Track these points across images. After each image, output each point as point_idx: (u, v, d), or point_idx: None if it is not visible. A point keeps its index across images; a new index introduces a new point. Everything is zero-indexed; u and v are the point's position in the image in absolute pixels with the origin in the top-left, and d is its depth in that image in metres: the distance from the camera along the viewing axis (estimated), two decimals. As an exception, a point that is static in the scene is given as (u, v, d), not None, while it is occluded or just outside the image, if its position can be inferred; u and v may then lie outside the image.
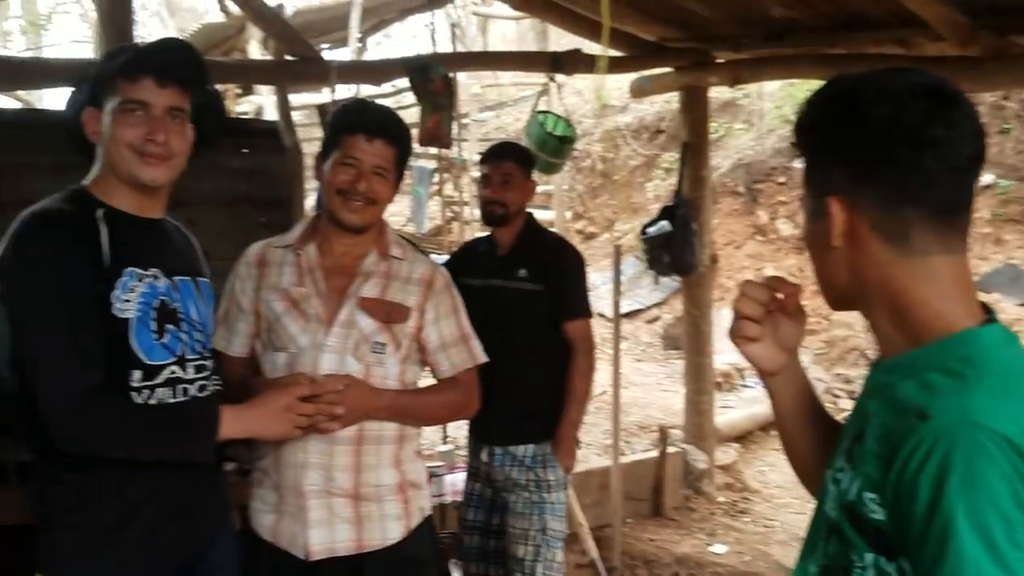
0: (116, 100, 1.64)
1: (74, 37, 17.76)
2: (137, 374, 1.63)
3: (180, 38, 1.88)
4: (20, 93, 9.75)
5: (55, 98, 12.68)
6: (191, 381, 1.73)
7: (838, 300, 1.10)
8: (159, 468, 1.67)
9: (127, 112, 1.63)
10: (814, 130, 1.06)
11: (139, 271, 1.64)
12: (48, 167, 3.45)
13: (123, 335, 1.61)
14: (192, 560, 1.75)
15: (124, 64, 1.64)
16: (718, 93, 8.88)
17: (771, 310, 1.17)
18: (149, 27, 16.28)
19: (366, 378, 1.95)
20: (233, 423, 1.69)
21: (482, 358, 2.16)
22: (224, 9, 7.76)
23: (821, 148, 1.05)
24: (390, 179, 2.01)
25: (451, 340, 2.09)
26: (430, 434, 5.00)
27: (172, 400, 1.69)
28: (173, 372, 1.69)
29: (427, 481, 2.17)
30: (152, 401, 1.65)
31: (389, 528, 1.99)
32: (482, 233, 3.52)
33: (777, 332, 1.18)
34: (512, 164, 3.00)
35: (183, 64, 1.70)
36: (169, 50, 1.72)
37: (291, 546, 1.93)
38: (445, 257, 3.54)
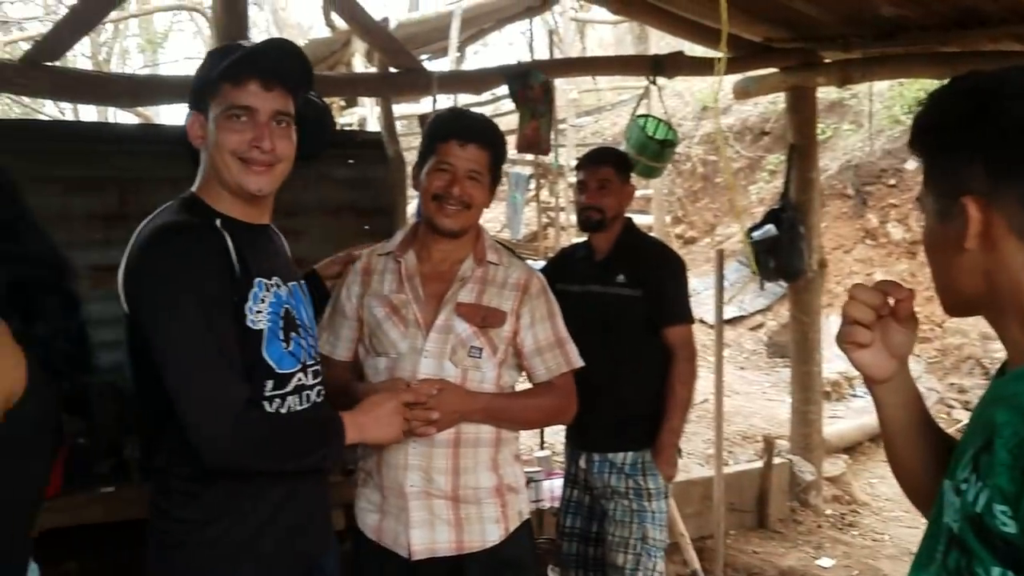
0: (221, 105, 1.58)
1: (189, 54, 18.61)
2: (270, 384, 1.60)
3: (285, 39, 1.77)
4: (138, 109, 10.29)
5: (172, 114, 13.34)
6: (312, 387, 1.72)
7: (959, 306, 1.05)
8: (291, 477, 1.66)
9: (232, 118, 1.57)
10: (943, 128, 1.01)
11: (265, 281, 1.62)
12: (166, 180, 3.63)
13: (256, 347, 1.58)
14: (310, 568, 1.76)
15: (229, 67, 1.56)
16: (824, 94, 8.62)
17: (882, 315, 1.11)
18: (259, 43, 16.91)
19: (463, 382, 1.97)
20: (351, 429, 1.68)
21: (578, 363, 2.15)
22: (330, 24, 7.99)
23: (952, 146, 1.00)
24: (484, 183, 2.04)
25: (546, 344, 2.10)
26: (528, 440, 5.02)
27: (300, 407, 1.67)
28: (299, 379, 1.67)
29: (525, 485, 2.18)
30: (283, 410, 1.63)
31: (488, 530, 2.01)
32: (579, 239, 3.50)
33: (887, 339, 1.12)
34: (609, 169, 2.97)
35: (289, 66, 1.64)
36: (275, 51, 1.62)
37: (394, 545, 1.98)
38: (541, 263, 3.54)
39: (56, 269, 1.33)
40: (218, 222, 1.58)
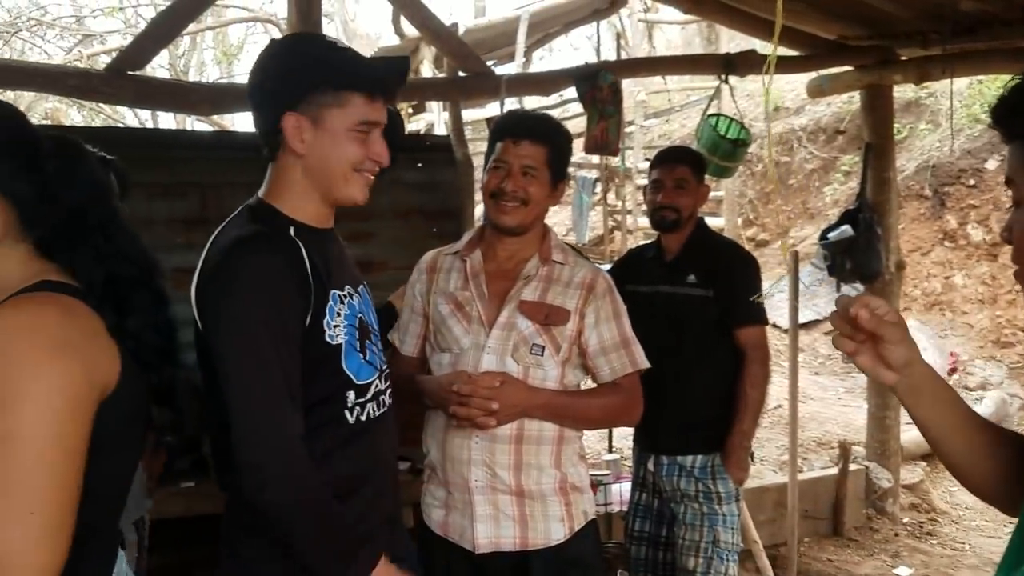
0: (351, 117, 1.51)
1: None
2: (351, 395, 1.58)
3: (403, 56, 1.72)
4: (215, 117, 10.59)
5: (246, 122, 13.68)
6: (384, 391, 1.70)
7: None
8: (370, 487, 1.64)
9: (361, 133, 1.53)
10: None
11: (339, 292, 1.57)
12: (245, 185, 3.73)
13: (336, 361, 1.55)
14: None
15: (365, 79, 1.52)
16: (900, 93, 8.39)
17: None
18: (329, 53, 17.24)
19: (524, 379, 1.98)
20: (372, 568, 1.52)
21: (643, 364, 2.13)
22: (399, 32, 8.09)
23: None
24: (542, 178, 2.05)
25: (611, 345, 2.08)
26: (596, 443, 4.99)
27: (377, 412, 1.65)
28: (376, 386, 1.65)
29: (590, 486, 2.17)
30: (363, 417, 1.61)
31: (553, 528, 2.02)
32: (645, 242, 3.46)
33: (878, 346, 1.11)
34: (686, 168, 2.92)
35: (401, 81, 1.64)
36: (400, 68, 1.62)
37: (460, 540, 2.01)
38: (607, 267, 3.52)
39: (146, 267, 1.36)
40: (292, 231, 1.53)
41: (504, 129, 2.10)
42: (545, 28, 8.63)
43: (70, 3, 15.12)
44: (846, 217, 4.55)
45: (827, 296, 8.00)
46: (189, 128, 12.14)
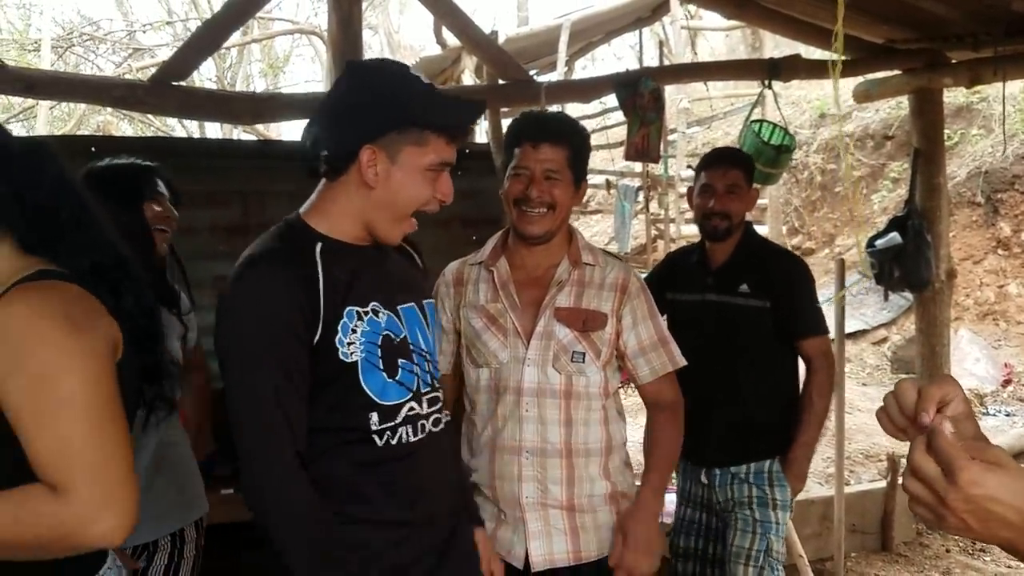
0: (429, 156, 1.52)
1: (308, 78, 19.34)
2: (375, 416, 1.52)
3: (480, 100, 1.71)
4: (259, 127, 10.75)
5: (291, 131, 13.87)
6: (427, 416, 1.61)
7: None
8: (408, 514, 1.58)
9: (435, 172, 1.54)
10: None
11: (358, 309, 1.51)
12: (286, 193, 3.77)
13: (353, 379, 1.50)
14: None
15: (447, 122, 1.54)
16: (950, 98, 8.23)
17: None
18: (373, 64, 17.45)
19: (568, 388, 1.96)
20: None
21: (681, 362, 2.11)
22: (440, 42, 8.14)
23: None
24: (566, 180, 1.98)
25: (649, 344, 2.06)
26: (638, 453, 4.93)
27: (414, 438, 1.57)
28: (412, 409, 1.57)
29: (632, 498, 2.13)
30: (394, 442, 1.54)
31: (604, 538, 2.00)
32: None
33: None
34: (739, 172, 2.76)
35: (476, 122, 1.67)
36: (477, 113, 1.65)
37: (508, 556, 1.97)
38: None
39: (120, 256, 1.41)
40: (319, 247, 1.51)
41: (522, 133, 2.02)
42: (587, 37, 8.60)
43: (122, 18, 15.50)
44: (894, 224, 4.44)
45: (875, 305, 7.86)
46: (235, 138, 12.35)
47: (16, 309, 1.21)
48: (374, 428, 1.52)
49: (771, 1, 4.03)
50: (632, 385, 2.17)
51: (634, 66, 9.78)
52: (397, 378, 1.55)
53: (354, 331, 1.50)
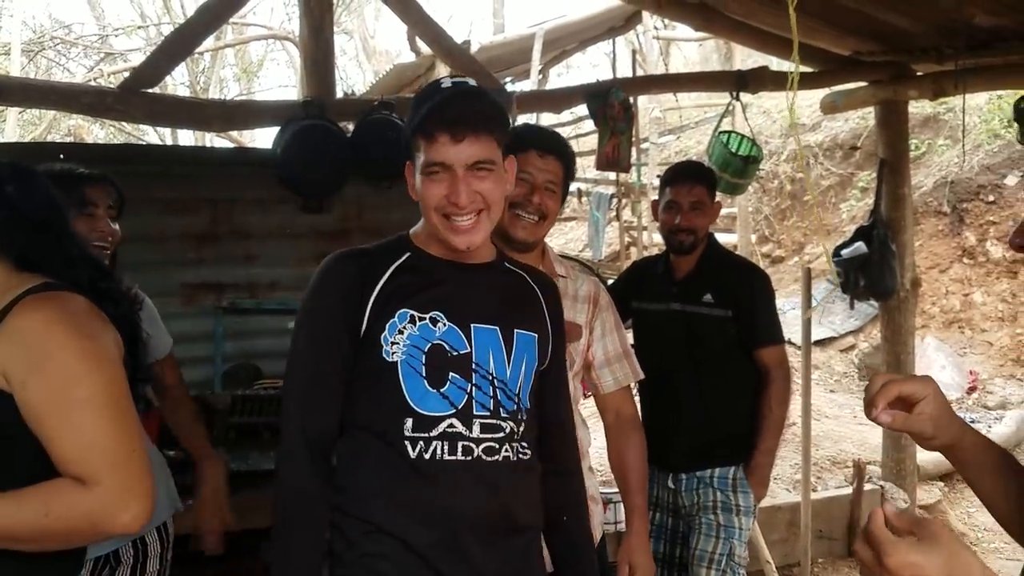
0: (419, 160, 1.53)
1: (283, 83, 19.26)
2: (409, 422, 1.50)
3: (470, 85, 1.60)
4: (233, 133, 10.68)
5: (267, 138, 13.82)
6: (476, 441, 1.52)
7: None
8: (421, 538, 1.50)
9: (433, 174, 1.52)
10: None
11: (414, 312, 1.53)
12: (258, 201, 3.77)
13: (394, 380, 1.51)
14: None
15: (418, 121, 1.52)
16: (918, 108, 8.35)
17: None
18: (349, 71, 17.43)
19: None
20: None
21: (640, 374, 2.20)
22: (415, 49, 8.15)
23: None
24: (558, 195, 2.07)
25: (615, 355, 2.13)
26: (605, 459, 4.95)
27: (449, 457, 1.50)
28: (452, 426, 1.51)
29: (600, 502, 2.16)
30: (426, 455, 1.49)
31: None
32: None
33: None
34: (703, 189, 2.82)
35: (466, 113, 1.53)
36: (460, 98, 1.53)
37: None
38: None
39: (102, 267, 1.51)
40: (405, 256, 1.59)
41: (528, 141, 2.05)
42: (561, 45, 8.66)
43: (94, 22, 15.35)
44: (860, 234, 4.51)
45: (842, 312, 7.95)
46: (208, 145, 12.27)
47: (33, 317, 1.30)
48: (407, 434, 1.49)
49: (738, 13, 4.08)
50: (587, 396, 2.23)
51: (608, 74, 9.86)
52: (442, 390, 1.52)
53: (400, 332, 1.51)
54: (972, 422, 6.66)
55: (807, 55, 4.31)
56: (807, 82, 4.54)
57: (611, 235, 9.84)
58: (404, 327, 1.51)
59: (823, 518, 4.48)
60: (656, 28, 9.84)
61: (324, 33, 3.68)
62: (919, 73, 4.55)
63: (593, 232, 9.44)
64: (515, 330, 1.60)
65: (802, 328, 3.97)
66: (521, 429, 1.59)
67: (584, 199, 9.71)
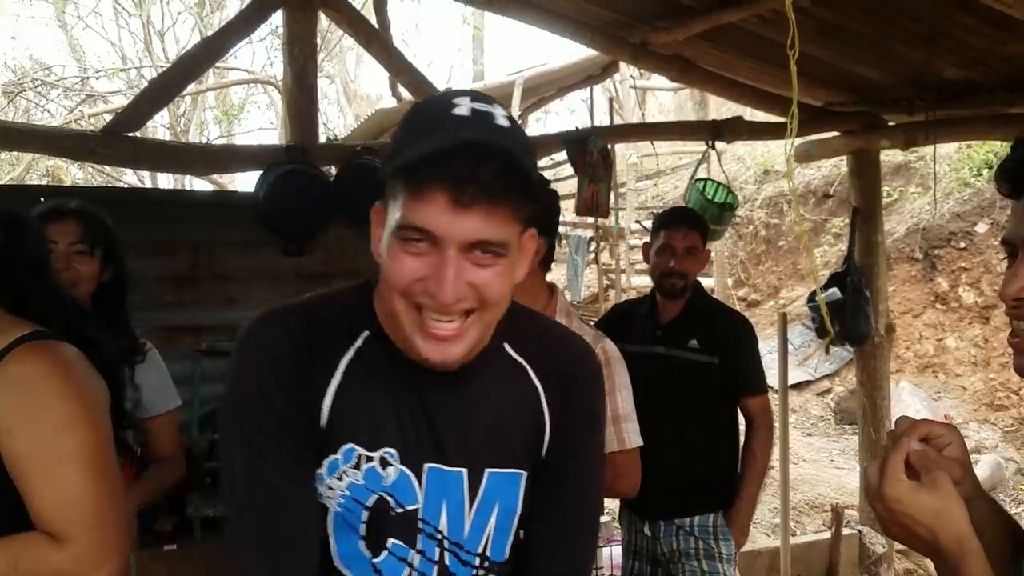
0: (392, 214, 1.04)
1: (263, 125, 19.34)
2: None
3: (497, 114, 0.99)
4: (214, 176, 10.70)
5: (247, 180, 13.83)
6: None
7: None
8: None
9: (405, 241, 1.03)
10: None
11: (361, 451, 1.11)
12: (238, 244, 3.78)
13: (323, 530, 1.14)
14: None
15: (393, 164, 1.02)
16: (891, 156, 8.52)
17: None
18: (330, 115, 17.55)
19: None
20: None
21: (630, 444, 2.11)
22: (396, 95, 8.23)
23: None
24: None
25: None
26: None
27: None
28: None
29: None
30: None
31: None
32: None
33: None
34: (697, 235, 2.82)
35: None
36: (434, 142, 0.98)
37: None
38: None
39: (87, 314, 1.56)
40: (361, 338, 1.13)
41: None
42: (539, 93, 8.77)
43: (75, 63, 15.39)
44: (834, 280, 4.58)
45: (819, 358, 8.02)
46: (189, 187, 12.26)
47: (27, 366, 1.29)
48: None
49: (714, 65, 4.18)
50: None
51: (586, 120, 9.99)
52: (376, 561, 1.13)
53: (340, 478, 1.11)
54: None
55: (780, 105, 4.41)
56: (780, 131, 4.64)
57: (590, 277, 9.90)
58: (346, 471, 1.11)
59: (803, 563, 4.48)
60: (633, 77, 10.01)
61: (307, 80, 3.72)
62: (891, 123, 4.66)
63: (572, 275, 9.50)
64: (487, 470, 1.16)
65: (779, 372, 4.01)
66: None
67: (563, 242, 9.77)
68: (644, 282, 8.49)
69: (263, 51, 19.37)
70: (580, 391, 1.22)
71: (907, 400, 7.40)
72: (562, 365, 1.22)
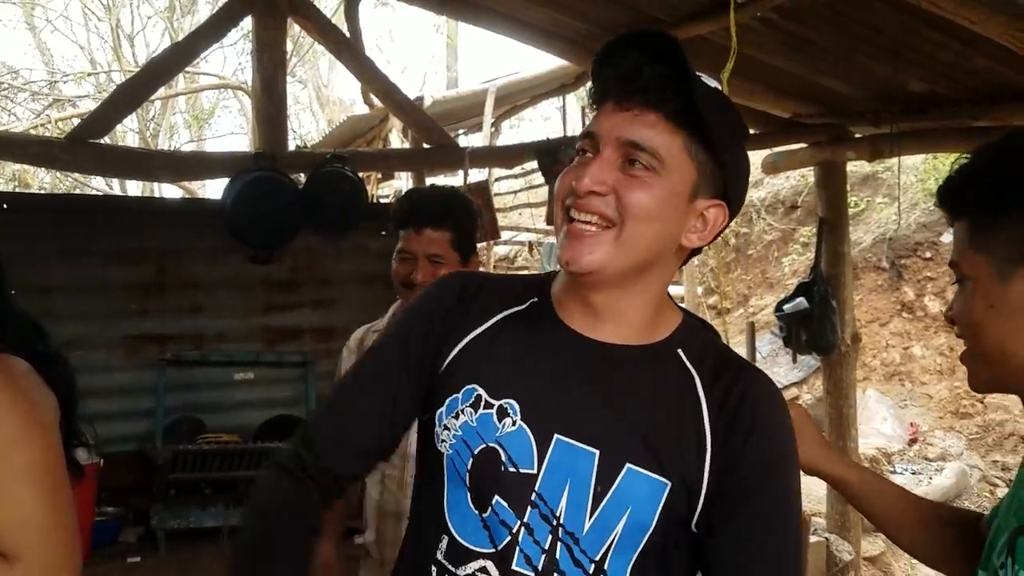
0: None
1: (234, 130, 19.19)
2: (444, 543, 1.08)
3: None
4: (183, 183, 10.60)
5: (216, 187, 13.73)
6: None
7: (1003, 377, 1.04)
8: None
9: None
10: (1009, 187, 0.98)
11: (481, 393, 1.08)
12: (205, 251, 3.75)
13: (440, 480, 1.11)
14: None
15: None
16: (858, 167, 8.63)
17: None
18: (302, 119, 17.46)
19: None
20: None
21: None
22: (368, 103, 8.21)
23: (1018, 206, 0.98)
24: (451, 262, 1.99)
25: None
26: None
27: None
28: (484, 571, 1.05)
29: None
30: None
31: None
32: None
33: None
34: None
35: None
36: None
37: None
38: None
39: (41, 327, 1.47)
40: (528, 303, 1.15)
41: (403, 219, 2.02)
42: (513, 100, 8.79)
43: (43, 67, 15.20)
44: (801, 289, 4.63)
45: (786, 364, 8.09)
46: (158, 193, 12.13)
47: None
48: (438, 557, 1.08)
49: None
50: None
51: (559, 127, 10.03)
52: (484, 516, 1.06)
53: (457, 416, 1.08)
54: (913, 473, 6.79)
55: (748, 116, 4.46)
56: (749, 143, 4.69)
57: (561, 287, 9.93)
58: (463, 409, 1.08)
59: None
60: (605, 85, 10.07)
61: (277, 87, 3.71)
62: (857, 135, 4.72)
63: (544, 284, 9.52)
64: (627, 464, 1.04)
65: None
66: None
67: (536, 250, 9.79)
68: (615, 290, 8.52)
69: (234, 56, 19.27)
70: (757, 424, 1.08)
71: (873, 408, 7.48)
72: (737, 387, 1.10)
